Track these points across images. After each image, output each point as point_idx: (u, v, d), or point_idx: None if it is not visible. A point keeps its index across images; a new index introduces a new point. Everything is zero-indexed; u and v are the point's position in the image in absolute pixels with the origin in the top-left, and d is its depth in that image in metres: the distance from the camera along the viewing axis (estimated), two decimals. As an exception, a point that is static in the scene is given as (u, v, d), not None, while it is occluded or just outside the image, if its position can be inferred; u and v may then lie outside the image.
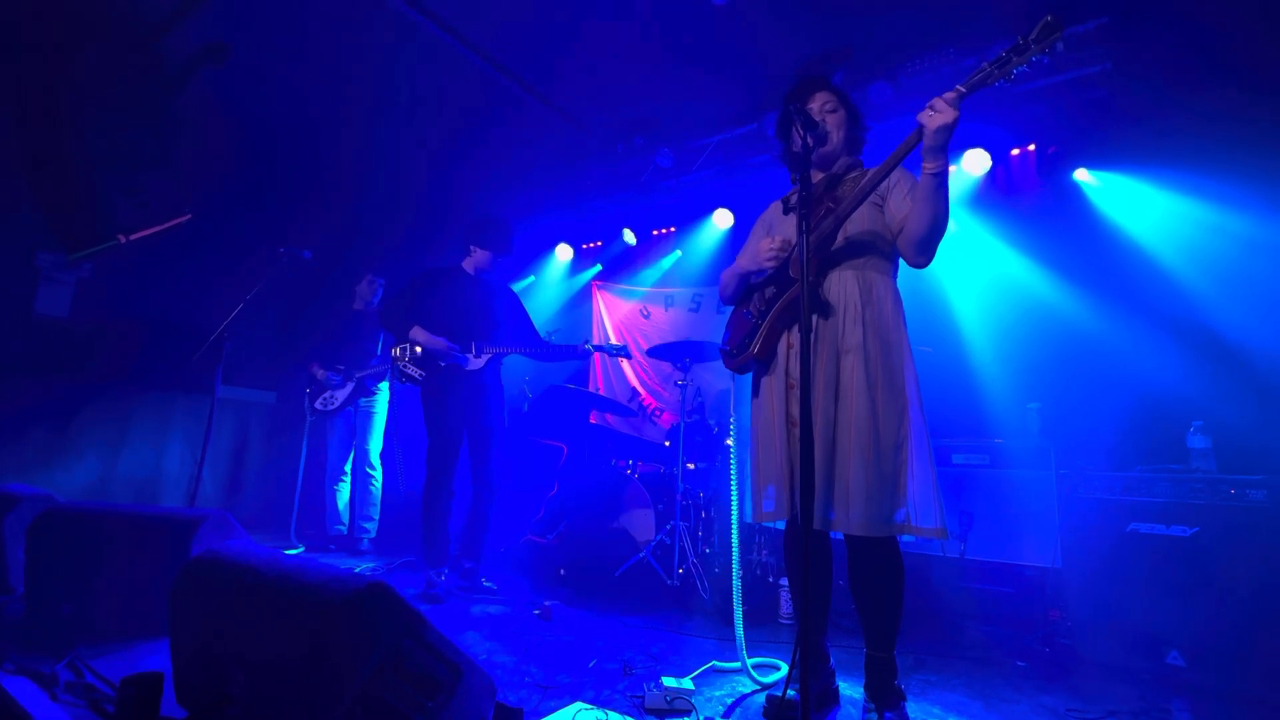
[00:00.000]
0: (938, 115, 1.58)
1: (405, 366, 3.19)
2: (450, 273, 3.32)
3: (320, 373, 4.18)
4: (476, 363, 3.15)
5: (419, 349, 3.16)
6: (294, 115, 4.71)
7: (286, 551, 3.78)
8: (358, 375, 4.19)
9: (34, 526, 2.13)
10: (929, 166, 1.65)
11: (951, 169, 3.74)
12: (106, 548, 2.10)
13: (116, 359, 4.29)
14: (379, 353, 4.28)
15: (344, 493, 4.26)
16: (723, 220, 4.83)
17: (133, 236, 3.89)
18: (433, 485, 3.10)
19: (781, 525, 1.88)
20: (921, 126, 1.61)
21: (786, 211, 1.57)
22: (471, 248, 3.31)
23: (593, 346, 3.27)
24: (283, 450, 5.03)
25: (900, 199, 1.80)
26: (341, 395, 4.18)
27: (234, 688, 1.32)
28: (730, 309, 2.12)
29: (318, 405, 4.19)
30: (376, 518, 4.24)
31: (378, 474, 4.29)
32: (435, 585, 2.98)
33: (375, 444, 4.31)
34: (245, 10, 3.65)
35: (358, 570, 3.43)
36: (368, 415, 4.27)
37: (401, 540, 4.33)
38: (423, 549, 3.08)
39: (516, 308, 3.42)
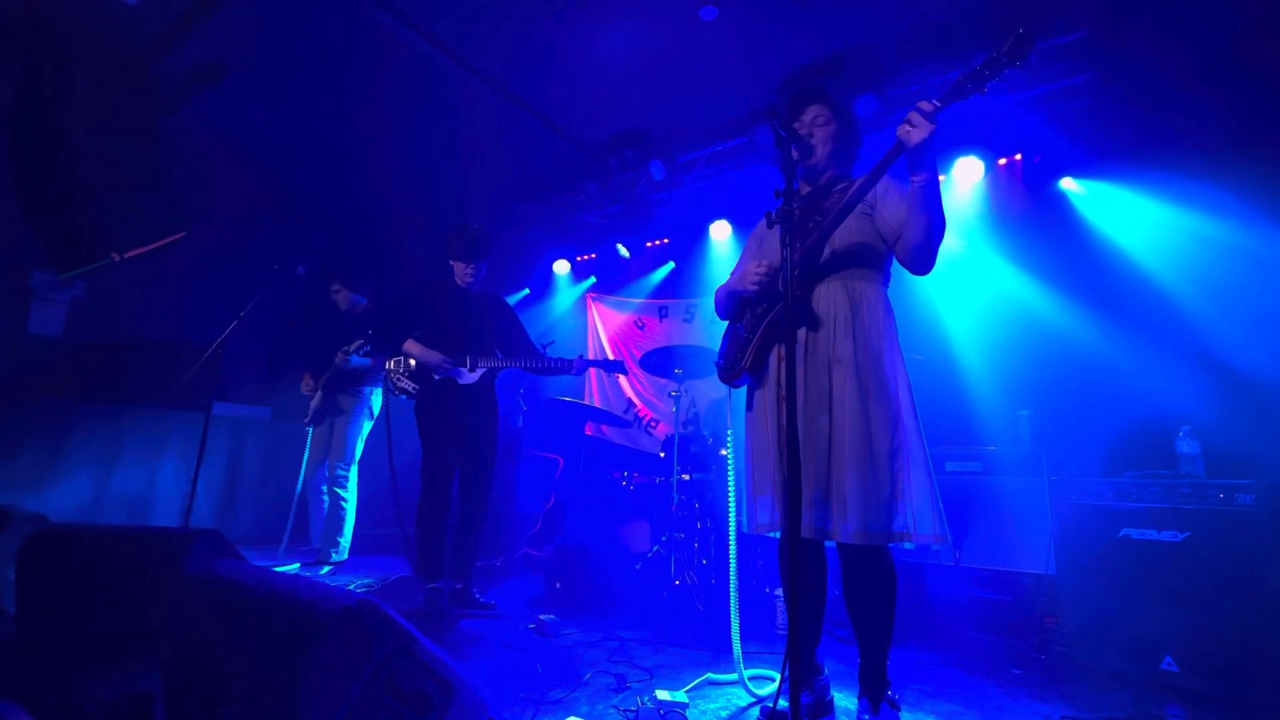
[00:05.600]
0: (915, 130, 1.60)
1: (399, 380, 3.18)
2: (443, 286, 3.31)
3: (306, 383, 4.08)
4: (471, 376, 3.15)
5: (413, 362, 3.17)
6: (287, 133, 4.75)
7: (280, 569, 3.76)
8: (323, 381, 3.99)
9: (25, 547, 2.12)
10: (916, 178, 1.67)
11: (941, 178, 3.82)
12: (99, 568, 2.08)
13: (110, 377, 4.29)
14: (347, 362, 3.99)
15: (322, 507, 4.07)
16: (719, 232, 4.87)
17: (127, 254, 3.89)
18: (427, 499, 3.08)
19: (775, 535, 1.89)
20: (901, 141, 1.64)
21: (770, 226, 1.60)
22: (450, 263, 3.31)
23: (587, 361, 3.26)
24: (278, 466, 5.01)
25: (893, 207, 1.80)
26: (313, 406, 4.01)
27: (226, 708, 1.32)
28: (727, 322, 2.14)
29: (306, 419, 4.08)
30: (344, 542, 3.91)
31: (349, 493, 3.93)
32: (431, 600, 2.97)
33: (345, 459, 3.94)
34: (238, 31, 3.69)
35: (351, 586, 3.42)
36: (341, 428, 3.99)
37: (398, 553, 4.30)
38: (418, 563, 3.07)
39: (511, 320, 3.42)
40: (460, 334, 3.19)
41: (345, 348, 3.88)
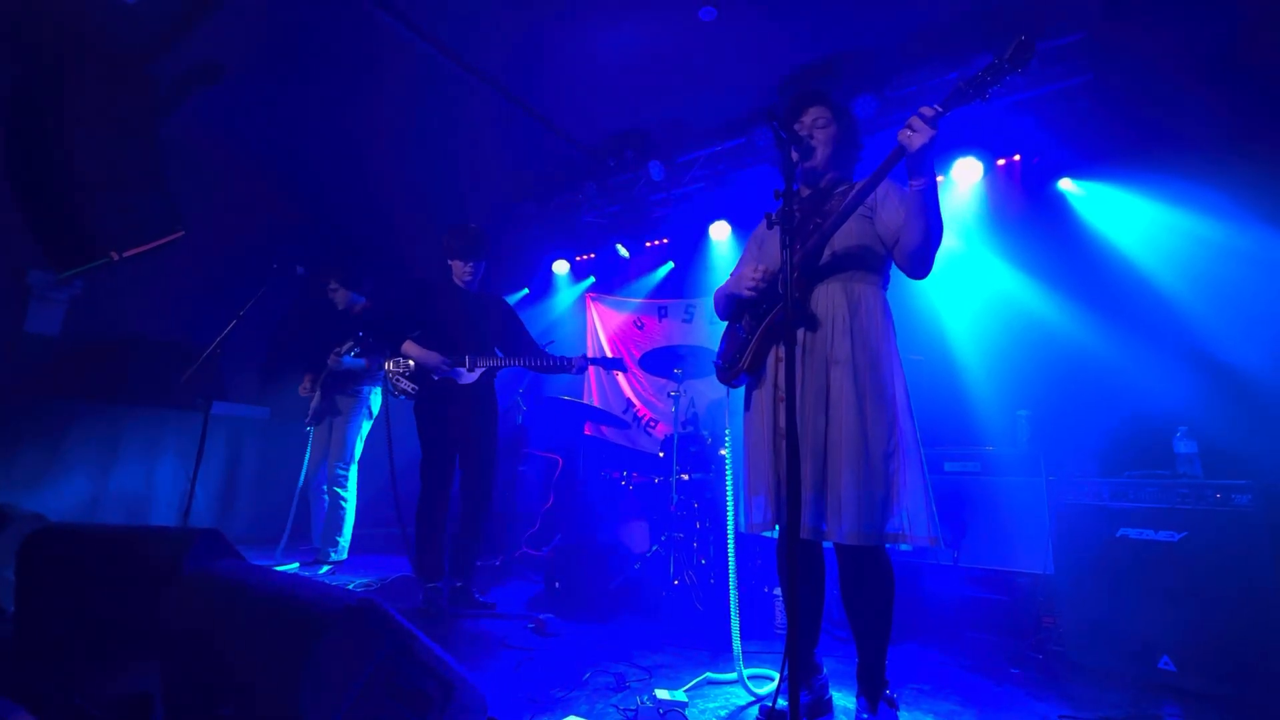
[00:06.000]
0: (916, 135, 1.60)
1: (398, 380, 3.18)
2: (441, 286, 3.31)
3: (305, 383, 4.09)
4: (470, 376, 3.15)
5: (411, 363, 3.17)
6: (286, 133, 4.74)
7: (279, 569, 3.76)
8: (319, 381, 4.00)
9: (24, 547, 2.11)
10: (914, 183, 1.67)
11: (940, 179, 3.83)
12: (97, 568, 2.08)
13: (108, 376, 4.28)
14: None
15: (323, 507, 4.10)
16: (718, 232, 4.87)
17: (125, 254, 3.88)
18: (427, 499, 3.09)
19: (773, 535, 1.90)
20: (901, 146, 1.64)
21: (770, 227, 1.60)
22: (449, 262, 3.30)
23: (587, 360, 3.25)
24: (277, 466, 5.01)
25: (894, 210, 1.81)
26: (313, 406, 4.02)
27: (225, 708, 1.32)
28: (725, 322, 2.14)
29: (306, 419, 4.10)
30: (344, 542, 3.92)
31: (349, 493, 3.95)
32: (431, 600, 2.97)
33: (344, 459, 3.96)
34: (236, 31, 3.69)
35: (350, 586, 3.42)
36: (341, 428, 4.00)
37: (398, 553, 4.29)
38: (417, 563, 3.07)
39: (511, 319, 3.41)
40: (459, 334, 3.18)
41: (337, 349, 3.86)
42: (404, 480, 4.13)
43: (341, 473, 3.97)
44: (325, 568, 3.87)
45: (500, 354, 3.25)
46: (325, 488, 3.98)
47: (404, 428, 3.49)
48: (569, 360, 3.19)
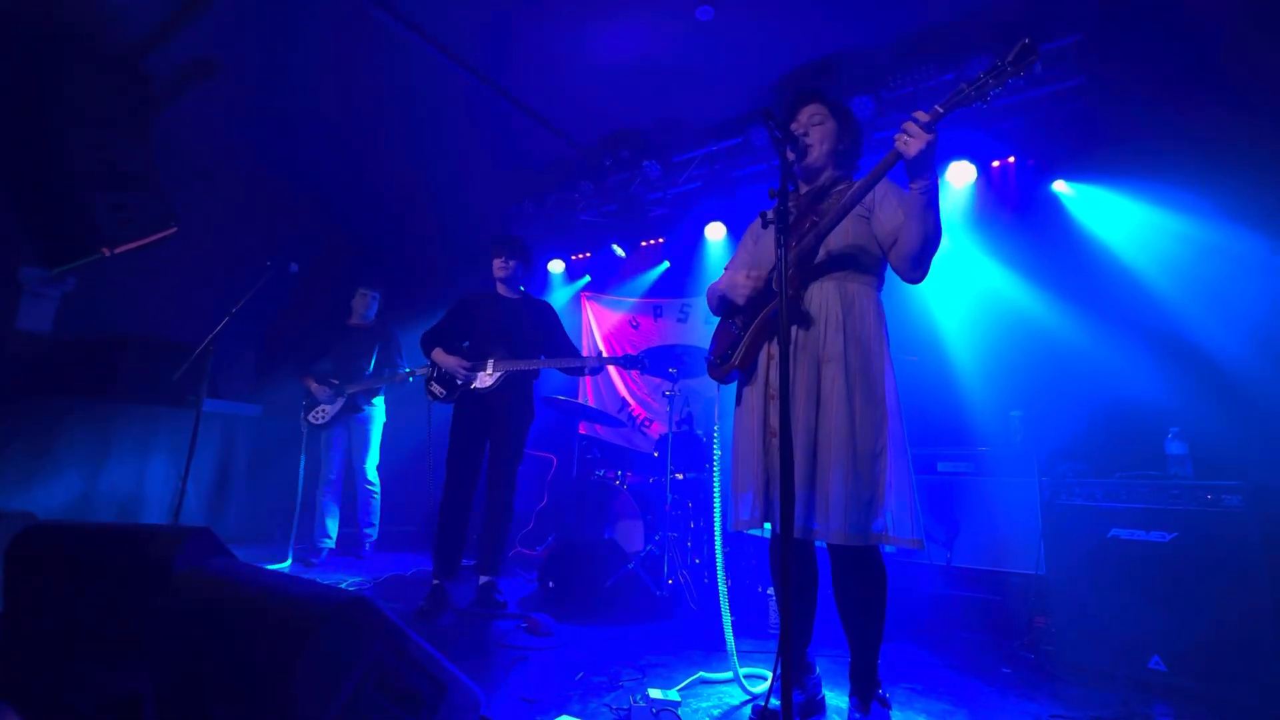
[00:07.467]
0: (913, 141, 1.56)
1: (431, 385, 3.34)
2: (482, 297, 3.42)
3: (313, 386, 4.20)
4: (485, 381, 3.20)
5: (439, 369, 3.31)
6: (282, 130, 4.72)
7: (274, 566, 3.76)
8: (348, 390, 4.19)
9: (13, 545, 2.10)
10: (915, 185, 1.65)
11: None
12: (87, 566, 2.07)
13: (99, 374, 4.25)
14: (369, 369, 4.31)
15: (333, 508, 4.24)
16: (714, 233, 4.87)
17: (117, 250, 3.86)
18: (446, 500, 3.16)
19: (757, 533, 1.90)
20: (898, 151, 1.61)
21: (765, 226, 1.60)
22: (495, 263, 3.38)
23: (603, 360, 3.30)
24: (269, 464, 4.99)
25: (891, 211, 1.80)
26: (332, 410, 4.20)
27: (216, 707, 1.31)
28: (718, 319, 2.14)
29: (311, 419, 4.20)
30: (376, 524, 4.37)
31: (376, 487, 4.34)
32: (430, 599, 2.98)
33: (371, 459, 4.31)
34: (232, 27, 3.67)
35: (345, 584, 3.41)
36: (363, 430, 4.28)
37: (400, 550, 4.28)
38: (433, 561, 3.12)
39: (546, 320, 3.46)
40: (484, 340, 3.27)
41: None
42: (399, 482, 4.10)
43: (374, 466, 4.32)
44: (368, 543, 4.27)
45: (542, 357, 3.34)
46: (359, 481, 4.30)
47: (400, 428, 3.47)
48: (583, 360, 3.25)
